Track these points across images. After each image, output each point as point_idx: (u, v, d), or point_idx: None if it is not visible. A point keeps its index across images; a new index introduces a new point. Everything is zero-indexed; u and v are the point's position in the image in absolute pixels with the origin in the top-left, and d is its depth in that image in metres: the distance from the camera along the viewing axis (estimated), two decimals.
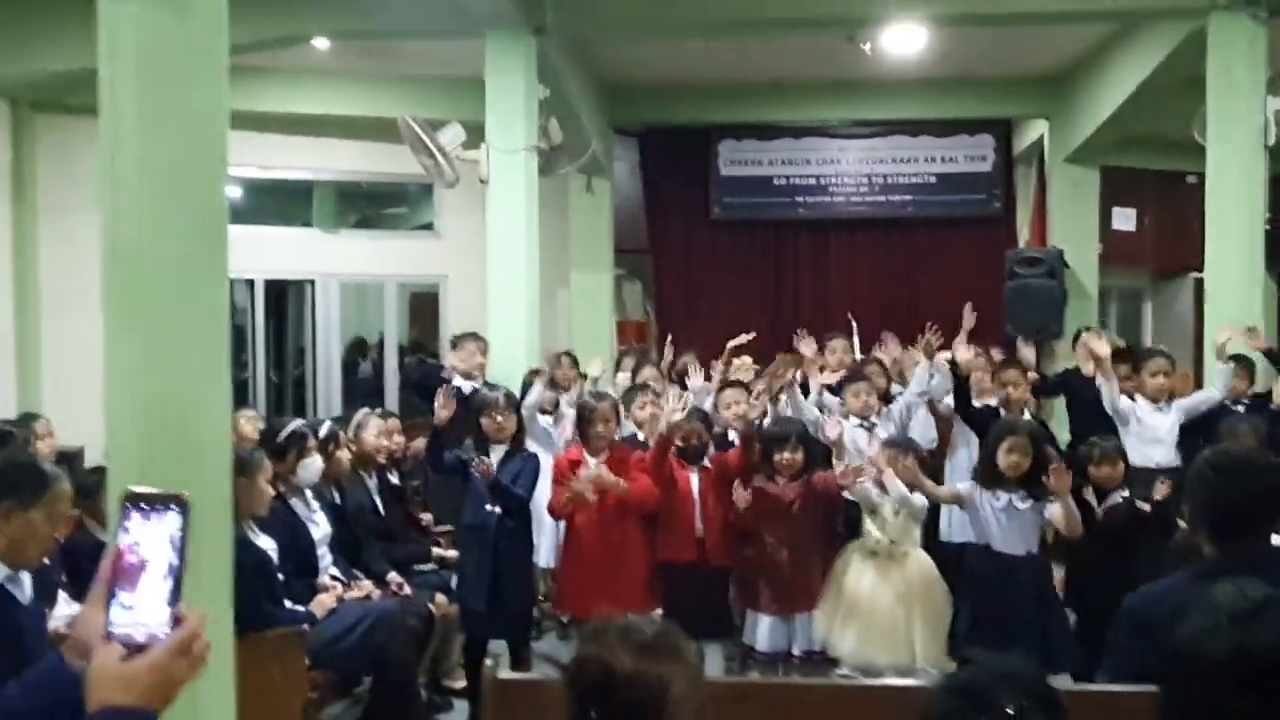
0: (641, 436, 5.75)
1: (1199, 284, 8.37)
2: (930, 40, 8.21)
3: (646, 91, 10.23)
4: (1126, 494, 5.27)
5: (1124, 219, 11.36)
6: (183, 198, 3.07)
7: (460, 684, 5.44)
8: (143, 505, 1.25)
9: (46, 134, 8.90)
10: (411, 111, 7.38)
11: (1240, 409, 6.25)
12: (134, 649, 1.20)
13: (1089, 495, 5.27)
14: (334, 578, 5.06)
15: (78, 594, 4.56)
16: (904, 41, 8.25)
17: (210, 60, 3.07)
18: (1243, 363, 6.44)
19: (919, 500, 5.17)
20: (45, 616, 3.49)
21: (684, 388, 6.27)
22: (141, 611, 1.22)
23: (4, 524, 3.02)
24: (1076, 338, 7.97)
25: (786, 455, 5.23)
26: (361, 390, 10.91)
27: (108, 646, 1.20)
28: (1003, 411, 6.07)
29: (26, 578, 3.14)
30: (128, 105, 2.95)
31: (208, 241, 3.15)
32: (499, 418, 5.34)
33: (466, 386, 6.35)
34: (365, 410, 5.91)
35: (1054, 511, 4.84)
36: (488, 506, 5.23)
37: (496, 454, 5.32)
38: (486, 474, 5.14)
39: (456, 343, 6.69)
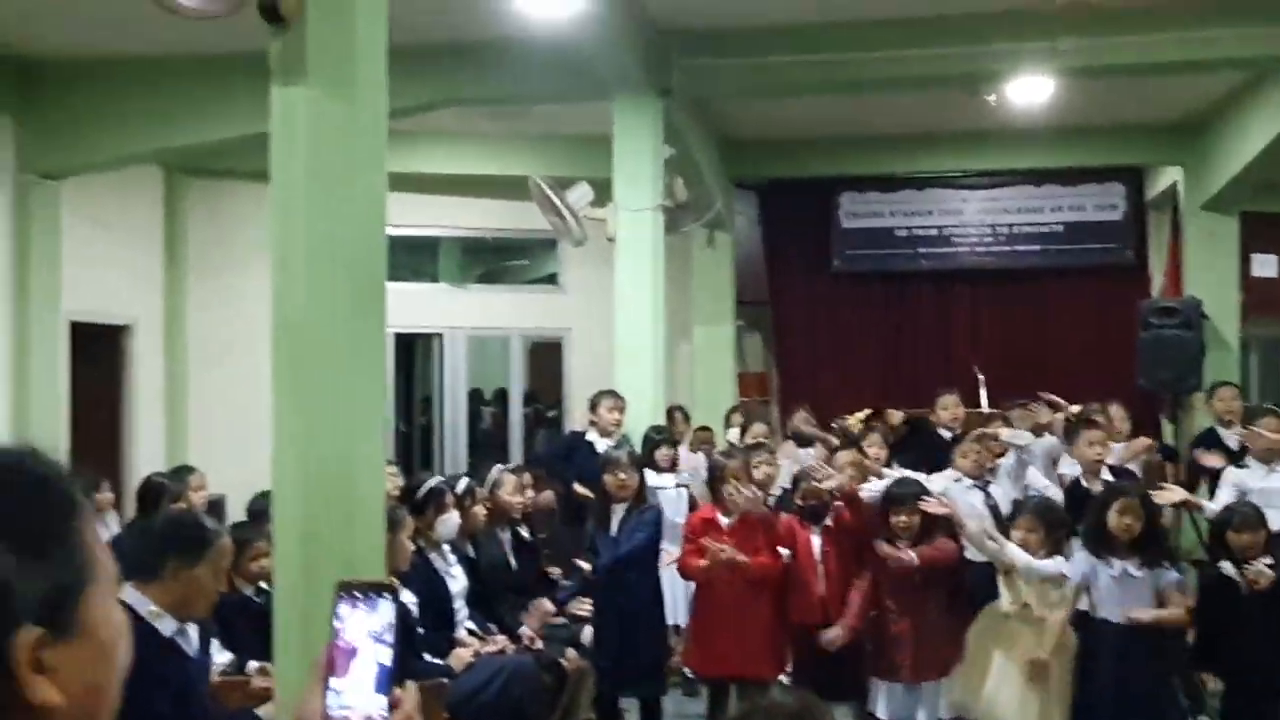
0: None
1: None
2: (1057, 89, 8.09)
3: (767, 146, 10.26)
4: (1270, 561, 5.00)
5: (1265, 265, 10.90)
6: (346, 270, 3.22)
7: None
8: (355, 594, 1.33)
9: (198, 197, 9.40)
10: (537, 170, 7.56)
11: None
12: None
13: (1226, 567, 5.02)
14: (470, 631, 5.17)
15: (229, 644, 4.74)
16: (1030, 92, 8.15)
17: (373, 141, 3.23)
18: None
19: (1046, 568, 4.97)
20: (210, 667, 3.65)
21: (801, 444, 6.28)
22: (350, 696, 1.30)
23: (171, 581, 3.17)
24: (1212, 392, 7.69)
25: (904, 518, 5.15)
26: (486, 441, 11.12)
27: None
28: (1083, 480, 5.91)
29: (193, 630, 3.29)
30: (297, 185, 3.13)
31: (367, 307, 3.30)
32: (621, 475, 5.46)
33: (602, 444, 6.47)
34: (499, 466, 6.06)
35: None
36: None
37: (618, 513, 5.43)
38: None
39: (595, 401, 6.82)
